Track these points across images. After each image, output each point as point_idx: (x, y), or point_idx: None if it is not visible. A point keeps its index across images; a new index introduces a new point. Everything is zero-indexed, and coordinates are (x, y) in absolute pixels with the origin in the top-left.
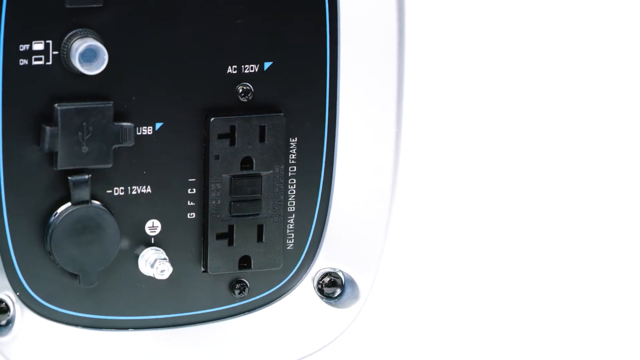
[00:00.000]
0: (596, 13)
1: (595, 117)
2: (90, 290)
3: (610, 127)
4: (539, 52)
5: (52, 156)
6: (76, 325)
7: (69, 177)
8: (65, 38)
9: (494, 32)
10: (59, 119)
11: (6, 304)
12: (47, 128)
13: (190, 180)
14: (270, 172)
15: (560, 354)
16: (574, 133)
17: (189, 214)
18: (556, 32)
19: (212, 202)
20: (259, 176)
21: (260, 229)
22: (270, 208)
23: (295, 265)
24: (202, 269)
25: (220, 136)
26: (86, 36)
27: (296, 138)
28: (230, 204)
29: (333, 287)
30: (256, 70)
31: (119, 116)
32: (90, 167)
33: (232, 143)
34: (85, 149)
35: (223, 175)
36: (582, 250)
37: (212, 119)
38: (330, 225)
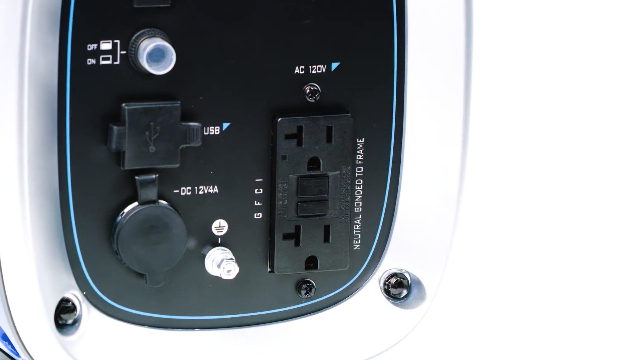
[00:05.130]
0: None
1: None
2: (156, 290)
3: None
4: (611, 51)
5: (119, 156)
6: (142, 324)
7: (136, 177)
8: (133, 38)
9: (561, 31)
10: (127, 118)
11: (73, 303)
12: (115, 128)
13: (257, 180)
14: (337, 172)
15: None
16: None
17: (255, 214)
18: (627, 32)
19: (279, 203)
20: (325, 176)
21: (326, 229)
22: (337, 208)
23: (362, 266)
24: (269, 269)
25: (287, 136)
26: (154, 36)
27: (363, 139)
28: (297, 204)
29: (399, 288)
30: (323, 70)
31: (186, 116)
32: (157, 166)
33: (299, 143)
34: (152, 148)
35: (290, 175)
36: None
37: (279, 119)
38: (396, 226)
